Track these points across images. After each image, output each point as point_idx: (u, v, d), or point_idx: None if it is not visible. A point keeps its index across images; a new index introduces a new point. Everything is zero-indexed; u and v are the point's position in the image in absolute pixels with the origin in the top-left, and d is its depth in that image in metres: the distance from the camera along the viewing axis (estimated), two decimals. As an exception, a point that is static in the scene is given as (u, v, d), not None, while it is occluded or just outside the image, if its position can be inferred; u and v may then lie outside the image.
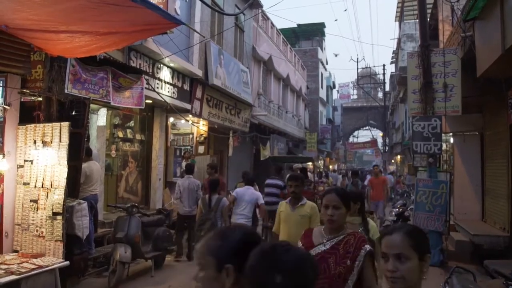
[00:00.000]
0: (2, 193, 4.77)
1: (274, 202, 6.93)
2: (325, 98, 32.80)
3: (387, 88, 34.10)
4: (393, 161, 31.36)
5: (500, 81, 6.21)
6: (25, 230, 4.78)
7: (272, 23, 17.89)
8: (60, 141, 4.70)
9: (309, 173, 12.59)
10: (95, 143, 7.30)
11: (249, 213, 5.95)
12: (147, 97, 7.56)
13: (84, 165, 5.59)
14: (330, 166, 33.46)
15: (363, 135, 48.12)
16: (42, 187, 4.73)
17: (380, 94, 40.01)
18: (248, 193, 6.03)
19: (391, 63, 30.99)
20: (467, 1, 6.55)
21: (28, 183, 4.82)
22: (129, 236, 5.69)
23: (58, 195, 4.62)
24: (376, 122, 41.11)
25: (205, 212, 5.92)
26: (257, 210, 6.48)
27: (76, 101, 5.24)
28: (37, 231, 4.68)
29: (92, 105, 6.24)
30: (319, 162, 31.39)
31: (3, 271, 3.93)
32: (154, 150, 9.39)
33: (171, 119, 10.10)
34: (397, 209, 8.42)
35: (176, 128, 10.99)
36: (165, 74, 8.83)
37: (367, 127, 44.63)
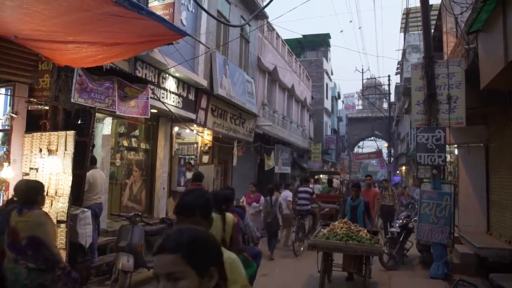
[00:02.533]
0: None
1: (305, 204, 9.70)
2: (330, 109, 32.84)
3: (392, 98, 34.12)
4: (398, 171, 31.19)
5: (504, 93, 6.21)
6: (29, 237, 4.81)
7: (277, 33, 18.04)
8: (66, 150, 4.76)
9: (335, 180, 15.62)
10: (100, 151, 7.35)
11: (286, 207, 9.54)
12: (152, 107, 7.63)
13: (88, 173, 5.64)
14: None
15: (368, 145, 48.01)
16: (46, 195, 4.76)
17: (385, 105, 40.04)
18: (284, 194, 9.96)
19: (396, 73, 31.07)
20: (470, 14, 6.59)
21: (33, 191, 4.86)
22: (132, 245, 5.69)
23: (62, 203, 4.66)
24: (381, 133, 41.03)
25: (268, 208, 8.52)
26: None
27: (82, 110, 5.31)
28: (40, 238, 4.71)
29: (97, 114, 6.31)
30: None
31: (6, 279, 3.94)
32: (159, 159, 9.43)
33: (176, 129, 10.16)
34: (400, 221, 8.36)
35: (180, 137, 11.05)
36: (170, 84, 8.92)
37: (372, 138, 44.55)
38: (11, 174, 4.78)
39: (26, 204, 3.19)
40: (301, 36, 29.17)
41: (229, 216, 3.90)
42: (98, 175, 6.18)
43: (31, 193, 3.29)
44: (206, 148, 11.50)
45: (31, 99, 5.12)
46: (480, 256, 6.75)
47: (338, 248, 5.57)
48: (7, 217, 3.15)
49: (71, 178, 4.68)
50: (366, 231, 5.95)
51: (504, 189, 7.32)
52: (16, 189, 3.35)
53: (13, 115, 4.94)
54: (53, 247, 3.23)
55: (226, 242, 3.86)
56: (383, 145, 41.41)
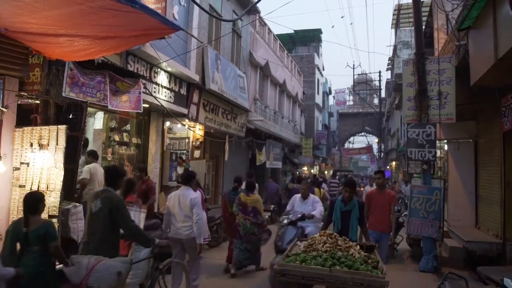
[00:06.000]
0: (-2, 195, 4.76)
1: (336, 188, 14.89)
2: (321, 104, 32.95)
3: (383, 94, 34.37)
4: (388, 167, 31.49)
5: (493, 89, 6.31)
6: (20, 232, 4.77)
7: (269, 29, 18.00)
8: (57, 144, 4.72)
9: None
10: (92, 146, 7.30)
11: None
12: (144, 101, 7.57)
13: (89, 165, 6.12)
14: (326, 172, 33.52)
15: (359, 141, 48.40)
16: (38, 189, 4.73)
17: (376, 101, 40.32)
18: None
19: (387, 69, 31.24)
20: (461, 11, 6.66)
21: (24, 186, 4.82)
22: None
23: (54, 198, 4.63)
24: (371, 128, 41.34)
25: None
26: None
27: (73, 104, 5.25)
28: (32, 234, 4.67)
29: (89, 109, 6.24)
30: (315, 167, 31.47)
31: (-3, 274, 3.91)
32: (150, 154, 9.39)
33: (168, 123, 10.11)
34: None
35: (172, 132, 11.00)
36: (162, 78, 8.86)
37: (363, 133, 44.86)
38: (2, 168, 4.72)
39: (249, 190, 6.72)
40: (293, 31, 29.15)
41: (322, 190, 10.45)
42: (99, 170, 6.24)
43: (252, 185, 6.87)
44: (198, 143, 11.48)
45: (22, 93, 5.04)
46: (468, 249, 6.89)
47: (319, 278, 3.64)
48: (238, 196, 6.69)
49: (62, 172, 4.64)
50: (358, 247, 4.27)
51: (492, 184, 7.46)
52: (237, 183, 7.44)
53: (3, 109, 4.86)
54: (262, 214, 6.60)
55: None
56: (374, 140, 41.79)
